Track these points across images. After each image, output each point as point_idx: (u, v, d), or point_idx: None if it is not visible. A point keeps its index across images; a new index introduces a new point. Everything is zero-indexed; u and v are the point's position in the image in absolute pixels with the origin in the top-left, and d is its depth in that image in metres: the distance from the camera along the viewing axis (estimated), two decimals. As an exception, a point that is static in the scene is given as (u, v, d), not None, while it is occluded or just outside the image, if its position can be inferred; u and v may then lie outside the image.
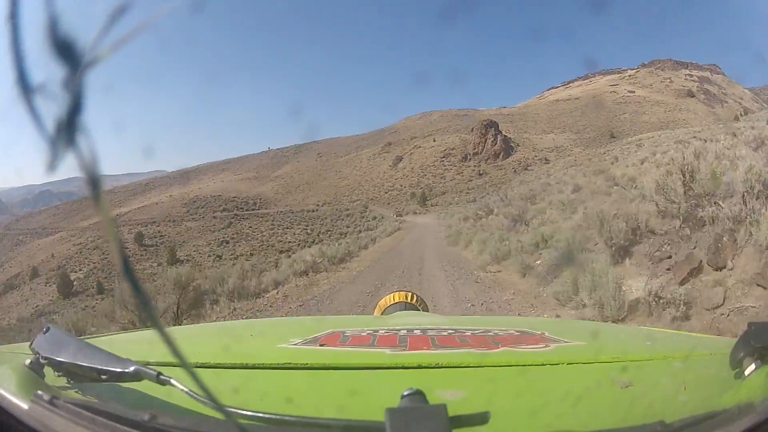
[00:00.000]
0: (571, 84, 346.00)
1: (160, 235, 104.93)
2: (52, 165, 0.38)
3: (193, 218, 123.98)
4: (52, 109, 0.38)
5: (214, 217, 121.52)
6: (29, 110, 0.38)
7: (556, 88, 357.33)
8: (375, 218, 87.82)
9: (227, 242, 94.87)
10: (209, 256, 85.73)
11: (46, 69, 0.38)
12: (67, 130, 0.38)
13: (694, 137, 40.85)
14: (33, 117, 0.38)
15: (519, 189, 45.95)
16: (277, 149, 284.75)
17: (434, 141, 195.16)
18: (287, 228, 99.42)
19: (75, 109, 0.38)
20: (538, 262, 12.70)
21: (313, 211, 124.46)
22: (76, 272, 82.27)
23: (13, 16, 0.39)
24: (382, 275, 14.35)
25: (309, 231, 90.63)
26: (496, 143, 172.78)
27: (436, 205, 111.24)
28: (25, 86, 0.38)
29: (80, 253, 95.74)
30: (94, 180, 0.39)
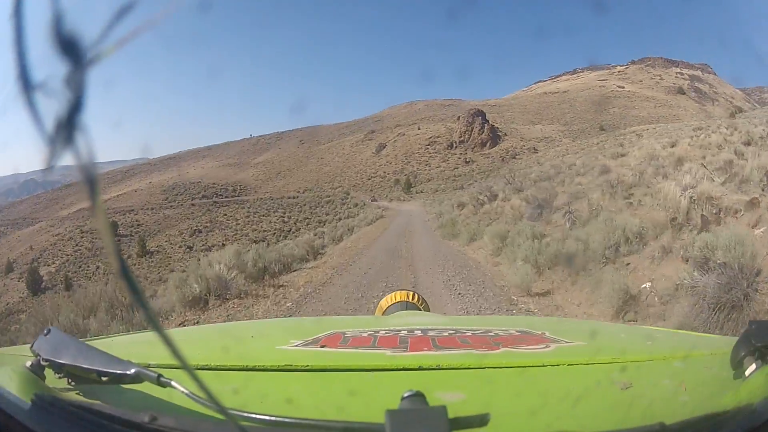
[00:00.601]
0: (558, 78, 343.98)
1: (137, 224, 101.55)
2: (49, 163, 0.38)
3: (171, 206, 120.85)
4: (52, 107, 0.37)
5: (193, 205, 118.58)
6: (29, 107, 0.38)
7: (543, 81, 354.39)
8: (356, 205, 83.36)
9: (200, 231, 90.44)
10: (180, 246, 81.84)
11: (47, 66, 0.37)
12: (67, 129, 0.37)
13: (708, 127, 37.15)
14: (33, 114, 0.38)
15: (526, 171, 41.13)
16: (259, 136, 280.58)
17: (419, 129, 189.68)
18: (264, 216, 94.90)
19: (75, 107, 0.37)
20: (647, 285, 6.62)
21: (293, 198, 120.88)
22: (49, 265, 78.84)
23: (17, 13, 0.39)
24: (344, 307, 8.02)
25: (286, 219, 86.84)
26: (483, 132, 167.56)
27: (422, 192, 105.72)
28: (27, 83, 0.38)
29: (54, 245, 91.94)
30: (90, 179, 0.39)
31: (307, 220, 76.72)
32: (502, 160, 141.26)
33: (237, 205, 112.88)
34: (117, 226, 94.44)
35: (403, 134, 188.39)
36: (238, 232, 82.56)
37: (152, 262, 70.31)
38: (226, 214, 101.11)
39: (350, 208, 79.85)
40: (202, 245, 76.50)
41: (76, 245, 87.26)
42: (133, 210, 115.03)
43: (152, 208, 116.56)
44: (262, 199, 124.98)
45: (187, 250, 77.39)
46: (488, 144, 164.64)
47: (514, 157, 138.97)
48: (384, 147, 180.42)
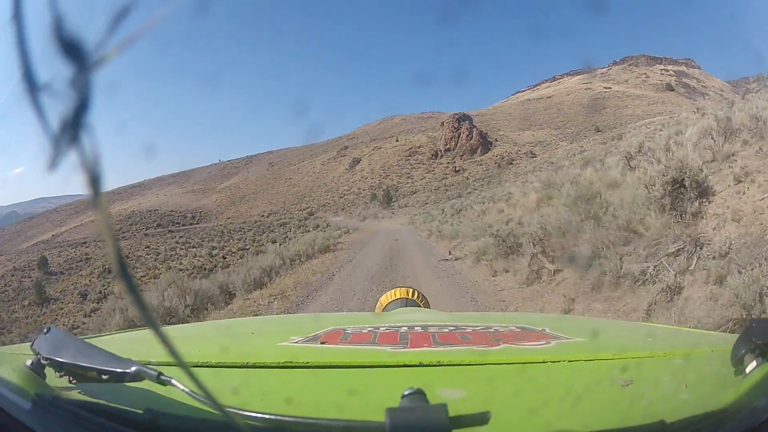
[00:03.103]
0: (537, 87, 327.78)
1: (86, 258, 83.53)
2: (54, 163, 0.37)
3: (123, 236, 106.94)
4: (56, 107, 0.37)
5: (146, 235, 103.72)
6: (34, 108, 0.37)
7: (522, 92, 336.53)
8: (318, 227, 61.73)
9: (110, 271, 67.64)
10: (78, 294, 61.42)
11: (51, 67, 0.37)
12: (72, 128, 0.37)
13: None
14: (38, 114, 0.37)
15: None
16: (228, 161, 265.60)
17: (397, 141, 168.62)
18: (194, 247, 74.71)
19: (81, 106, 0.37)
20: None
21: (244, 222, 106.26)
22: (-27, 308, 64.10)
23: (18, 15, 0.38)
24: None
25: (218, 250, 66.39)
26: (471, 137, 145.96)
27: (406, 206, 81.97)
28: (31, 84, 0.37)
29: (-11, 283, 77.12)
30: (95, 179, 0.38)
31: (242, 252, 57.39)
32: (498, 166, 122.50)
33: (169, 235, 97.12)
34: (47, 262, 77.48)
35: (380, 147, 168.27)
36: (151, 271, 62.29)
37: (44, 312, 53.07)
38: (149, 246, 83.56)
39: (308, 231, 57.73)
40: (100, 291, 56.41)
41: (5, 285, 71.96)
42: (85, 243, 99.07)
43: (103, 240, 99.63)
44: (222, 225, 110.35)
45: (81, 298, 57.88)
46: (479, 150, 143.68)
47: (511, 163, 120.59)
48: (358, 162, 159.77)
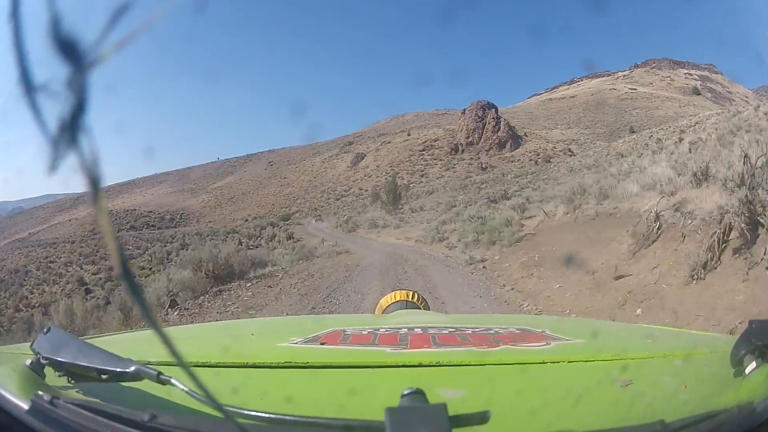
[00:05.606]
0: (555, 90, 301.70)
1: (46, 261, 66.87)
2: (53, 165, 0.36)
3: (93, 238, 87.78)
4: (54, 109, 0.36)
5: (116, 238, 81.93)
6: (32, 109, 0.36)
7: (539, 94, 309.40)
8: (273, 237, 43.77)
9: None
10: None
11: (48, 68, 0.36)
12: (70, 130, 0.36)
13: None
14: (35, 116, 0.36)
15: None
16: (226, 159, 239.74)
17: (409, 135, 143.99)
18: (93, 263, 54.95)
19: (78, 108, 0.36)
20: None
21: (244, 224, 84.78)
22: None
23: (15, 15, 0.37)
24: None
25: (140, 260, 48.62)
26: (499, 129, 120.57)
27: (422, 209, 50.32)
28: (28, 85, 0.36)
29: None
30: (94, 180, 0.38)
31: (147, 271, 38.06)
32: (535, 164, 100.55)
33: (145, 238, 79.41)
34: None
35: (389, 142, 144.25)
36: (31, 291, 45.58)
37: None
38: (47, 258, 66.24)
39: (268, 243, 39.17)
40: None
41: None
42: (55, 243, 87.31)
43: (73, 242, 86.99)
44: (186, 230, 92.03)
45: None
46: (508, 145, 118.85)
47: (548, 161, 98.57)
48: (363, 158, 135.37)
